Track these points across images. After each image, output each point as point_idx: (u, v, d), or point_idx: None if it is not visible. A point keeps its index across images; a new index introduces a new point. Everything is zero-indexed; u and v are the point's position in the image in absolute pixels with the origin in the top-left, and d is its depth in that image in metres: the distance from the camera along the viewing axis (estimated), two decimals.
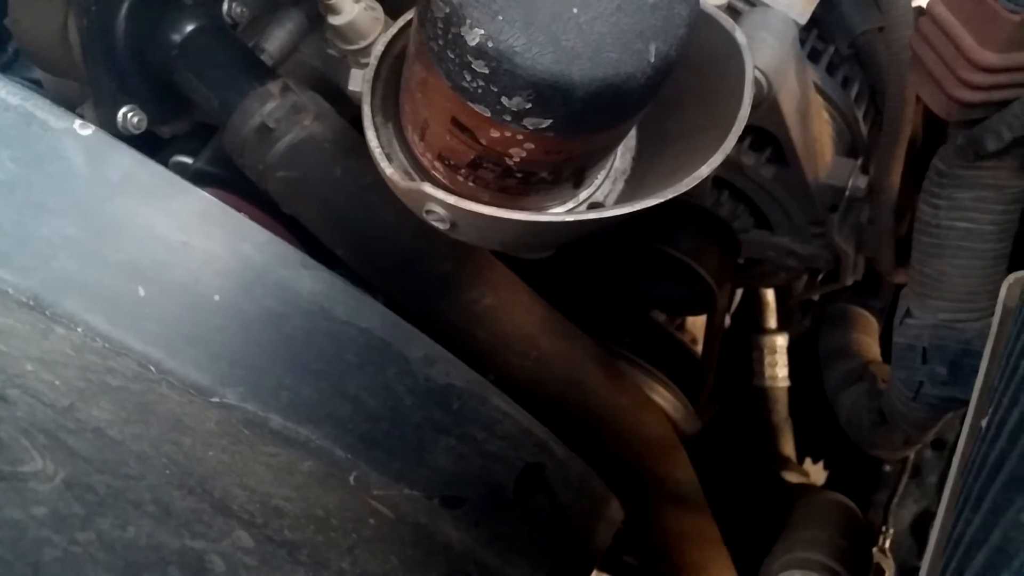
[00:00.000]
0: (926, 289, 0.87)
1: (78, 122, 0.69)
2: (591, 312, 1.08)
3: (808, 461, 1.46)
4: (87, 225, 0.68)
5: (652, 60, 0.62)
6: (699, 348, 1.21)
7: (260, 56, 0.94)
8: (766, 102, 0.93)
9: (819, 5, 0.97)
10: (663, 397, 1.11)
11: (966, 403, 0.70)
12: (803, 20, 0.96)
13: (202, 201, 0.72)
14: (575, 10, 0.59)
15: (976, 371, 0.70)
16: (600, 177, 0.80)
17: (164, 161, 0.95)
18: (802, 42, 1.00)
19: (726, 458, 1.35)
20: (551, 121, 0.63)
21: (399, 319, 0.75)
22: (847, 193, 1.05)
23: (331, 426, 0.71)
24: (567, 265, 1.06)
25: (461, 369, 0.77)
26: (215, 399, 0.69)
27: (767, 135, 1.02)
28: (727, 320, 1.32)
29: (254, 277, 0.71)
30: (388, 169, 0.75)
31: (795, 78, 0.96)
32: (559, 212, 0.78)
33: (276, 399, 0.70)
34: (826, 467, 1.48)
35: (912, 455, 1.22)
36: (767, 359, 1.37)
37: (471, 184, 0.73)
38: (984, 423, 0.59)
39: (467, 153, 0.70)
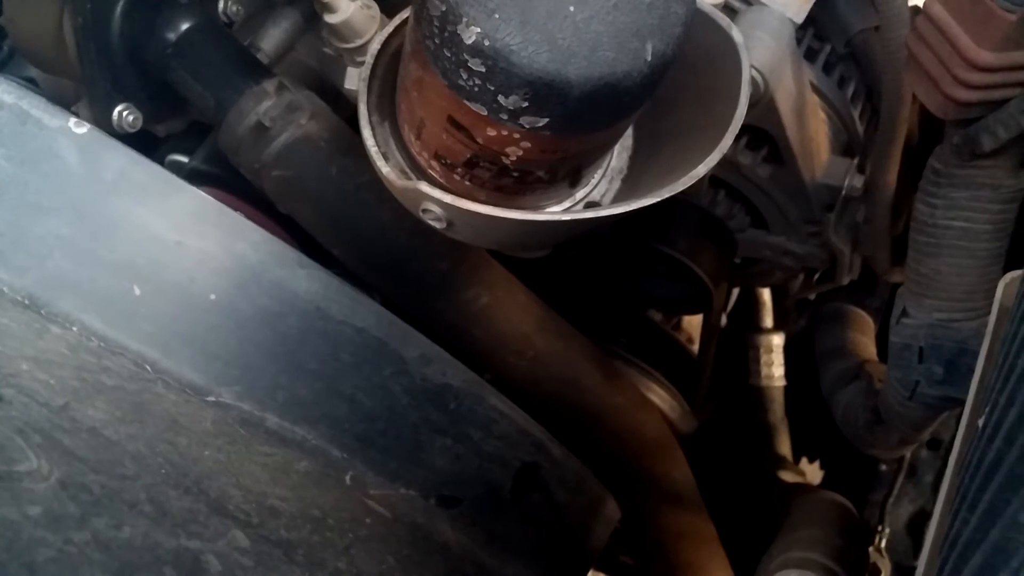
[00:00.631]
0: (922, 288, 0.87)
1: (73, 121, 0.69)
2: (587, 311, 1.09)
3: (804, 460, 1.47)
4: (82, 224, 0.68)
5: (648, 59, 0.62)
6: (695, 347, 1.21)
7: (256, 55, 0.94)
8: (762, 101, 0.93)
9: (815, 4, 0.97)
10: (659, 396, 1.11)
11: (962, 402, 0.70)
12: (799, 19, 0.96)
13: (198, 200, 0.72)
14: (571, 8, 0.59)
15: (972, 370, 0.70)
16: (596, 176, 0.80)
17: (159, 160, 0.95)
18: (798, 41, 1.00)
19: (722, 457, 1.35)
20: (547, 120, 0.63)
21: (395, 318, 0.75)
22: (843, 192, 1.05)
23: (327, 426, 0.71)
24: (563, 264, 1.06)
25: (458, 369, 0.77)
26: (211, 399, 0.69)
27: (763, 134, 1.02)
28: (723, 319, 1.32)
29: (250, 276, 0.71)
30: (384, 168, 0.75)
31: (791, 77, 0.96)
32: (555, 211, 0.78)
33: (272, 399, 0.70)
34: (822, 466, 1.48)
35: (908, 454, 1.23)
36: (763, 358, 1.37)
37: (467, 183, 0.73)
38: (981, 422, 0.59)
39: (463, 152, 0.69)
